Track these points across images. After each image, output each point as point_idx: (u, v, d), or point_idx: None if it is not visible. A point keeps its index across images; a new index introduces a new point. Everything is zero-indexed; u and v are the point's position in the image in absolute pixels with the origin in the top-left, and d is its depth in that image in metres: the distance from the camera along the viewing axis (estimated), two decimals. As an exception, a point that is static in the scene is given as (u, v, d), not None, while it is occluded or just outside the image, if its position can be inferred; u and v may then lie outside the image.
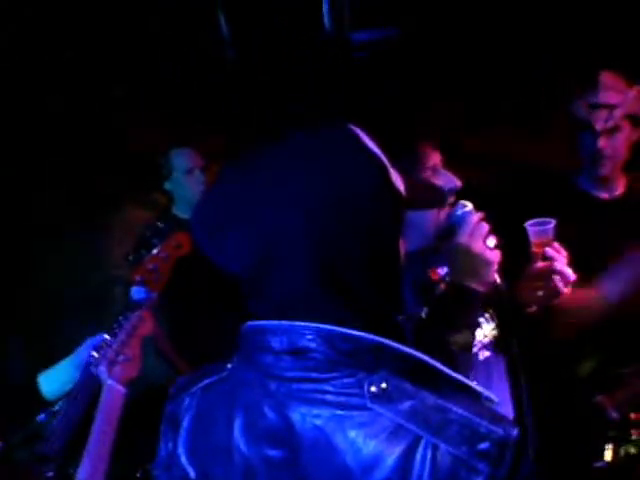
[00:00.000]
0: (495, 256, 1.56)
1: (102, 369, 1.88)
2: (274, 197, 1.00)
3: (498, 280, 1.60)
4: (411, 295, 1.64)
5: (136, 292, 2.02)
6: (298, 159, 1.03)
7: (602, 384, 2.14)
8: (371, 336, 0.98)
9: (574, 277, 1.74)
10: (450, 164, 1.78)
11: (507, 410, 1.71)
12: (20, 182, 3.12)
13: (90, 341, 1.96)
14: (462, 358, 1.49)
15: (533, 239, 1.79)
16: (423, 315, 1.58)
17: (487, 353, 1.74)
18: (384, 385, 0.96)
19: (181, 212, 3.12)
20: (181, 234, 2.09)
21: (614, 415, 2.10)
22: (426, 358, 0.99)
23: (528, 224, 1.80)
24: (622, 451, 2.09)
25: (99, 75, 3.25)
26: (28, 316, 3.05)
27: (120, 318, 1.97)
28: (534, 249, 1.78)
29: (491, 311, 1.77)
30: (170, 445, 1.12)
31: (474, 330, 1.56)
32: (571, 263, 1.78)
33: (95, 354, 1.91)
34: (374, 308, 1.04)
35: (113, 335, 1.94)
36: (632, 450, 2.10)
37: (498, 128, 3.19)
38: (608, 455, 2.08)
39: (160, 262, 2.06)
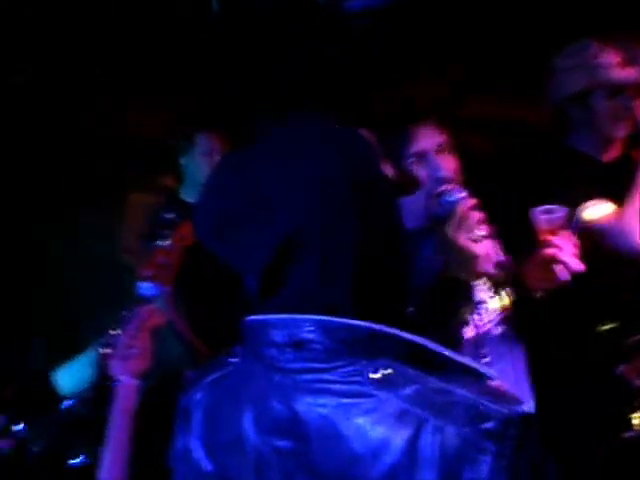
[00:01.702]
0: (482, 248, 1.54)
1: (115, 364, 1.89)
2: (284, 188, 1.00)
3: (491, 270, 1.58)
4: None
5: (145, 288, 2.00)
6: (302, 147, 1.03)
7: (624, 354, 2.12)
8: (369, 324, 0.98)
9: (581, 268, 1.68)
10: (448, 129, 1.75)
11: (523, 383, 1.71)
12: (26, 173, 3.13)
13: (101, 339, 1.95)
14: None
15: (540, 226, 1.73)
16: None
17: (500, 328, 1.73)
18: (387, 371, 0.97)
19: (189, 196, 3.06)
20: (186, 225, 2.04)
21: (638, 383, 2.08)
22: (426, 342, 0.99)
23: (537, 211, 1.74)
24: None
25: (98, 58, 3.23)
26: (47, 311, 3.07)
27: (127, 312, 1.95)
28: (541, 237, 1.72)
29: (504, 287, 1.76)
30: (185, 439, 1.14)
31: (460, 321, 1.55)
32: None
33: (106, 350, 1.91)
34: (381, 297, 1.04)
35: (123, 329, 1.93)
36: None
37: (498, 93, 3.14)
38: (636, 424, 2.07)
39: (169, 255, 2.02)
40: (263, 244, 1.00)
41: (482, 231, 1.54)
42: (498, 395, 0.95)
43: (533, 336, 1.73)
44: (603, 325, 2.13)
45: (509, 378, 1.67)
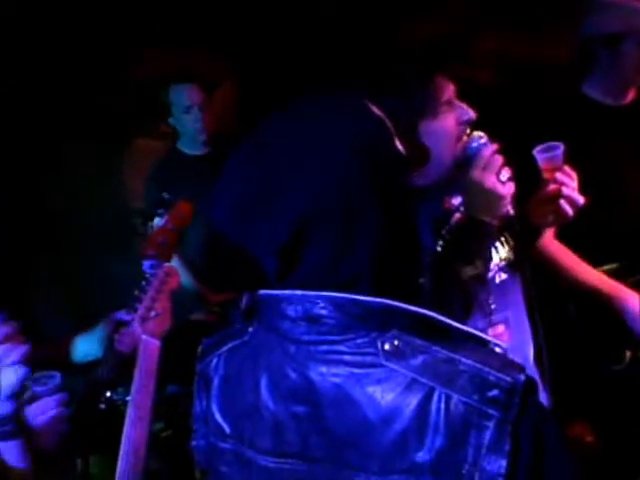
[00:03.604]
0: (507, 189, 1.58)
1: (136, 325, 1.97)
2: (299, 171, 1.04)
3: (511, 211, 1.62)
4: (428, 230, 1.67)
5: (149, 266, 2.06)
6: (316, 128, 1.06)
7: None
8: (379, 300, 1.03)
9: (582, 201, 1.75)
10: (463, 66, 1.75)
11: (523, 330, 1.78)
12: (32, 123, 3.12)
13: (113, 316, 2.04)
14: (475, 289, 1.54)
15: (543, 166, 1.78)
16: (438, 248, 1.62)
17: (504, 276, 1.78)
18: (396, 342, 1.02)
19: (185, 147, 3.14)
20: (183, 204, 2.10)
21: None
22: (433, 314, 1.04)
23: (536, 151, 1.79)
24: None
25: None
26: (57, 254, 3.12)
27: (147, 275, 2.02)
28: (545, 175, 1.78)
29: (506, 235, 1.80)
30: (204, 403, 1.21)
31: (486, 261, 1.60)
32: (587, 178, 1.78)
33: (127, 315, 1.99)
34: (395, 273, 1.09)
35: (143, 291, 2.01)
36: None
37: (514, 29, 3.09)
38: (626, 359, 2.15)
39: (168, 234, 2.08)
40: (279, 226, 1.04)
41: (506, 174, 1.59)
42: (502, 363, 1.00)
43: (537, 281, 1.78)
44: (604, 266, 2.18)
45: (513, 325, 1.72)
